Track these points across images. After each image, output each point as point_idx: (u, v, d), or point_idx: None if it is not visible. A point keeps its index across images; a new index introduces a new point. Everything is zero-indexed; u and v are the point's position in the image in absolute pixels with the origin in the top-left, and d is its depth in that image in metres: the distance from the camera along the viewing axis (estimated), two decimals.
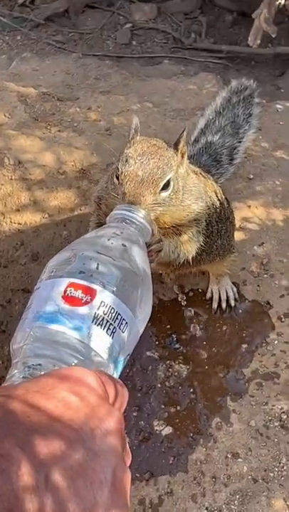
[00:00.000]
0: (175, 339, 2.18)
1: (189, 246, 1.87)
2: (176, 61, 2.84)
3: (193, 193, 1.85)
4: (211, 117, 2.36)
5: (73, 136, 2.60)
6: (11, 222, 2.42)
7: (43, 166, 2.51)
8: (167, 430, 2.07)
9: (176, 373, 2.15)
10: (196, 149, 2.30)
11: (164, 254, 1.75)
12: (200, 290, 2.23)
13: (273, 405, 2.10)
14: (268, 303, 2.26)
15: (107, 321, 1.07)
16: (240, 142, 2.41)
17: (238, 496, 1.99)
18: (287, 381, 2.13)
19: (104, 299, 1.08)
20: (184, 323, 2.22)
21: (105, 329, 1.07)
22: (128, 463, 0.89)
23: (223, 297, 2.21)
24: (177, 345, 2.18)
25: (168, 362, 2.17)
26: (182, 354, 2.18)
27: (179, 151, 1.73)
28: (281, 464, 2.03)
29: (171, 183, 1.70)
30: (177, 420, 2.09)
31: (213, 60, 2.87)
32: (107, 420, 0.85)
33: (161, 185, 1.66)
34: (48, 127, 2.63)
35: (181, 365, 2.16)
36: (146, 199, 1.57)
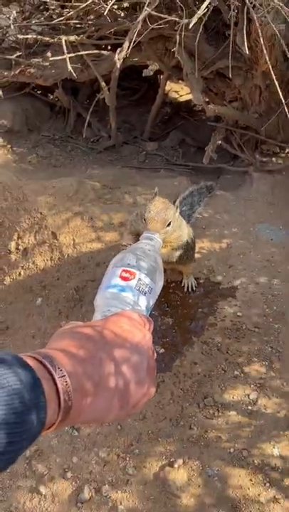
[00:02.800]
0: (166, 305, 2.23)
1: (176, 253, 1.96)
2: (168, 171, 2.88)
3: (182, 228, 1.93)
4: (182, 198, 2.40)
5: (117, 215, 2.57)
6: (86, 247, 2.48)
7: (102, 220, 2.54)
8: (162, 350, 2.12)
9: (166, 322, 2.21)
10: None
11: (164, 255, 1.80)
12: (178, 281, 2.29)
13: (214, 339, 2.15)
14: (212, 288, 2.30)
15: (142, 288, 1.08)
16: (194, 213, 2.48)
17: (196, 384, 2.06)
18: (221, 328, 2.17)
19: (140, 277, 1.10)
20: (171, 297, 2.26)
21: (142, 292, 1.07)
22: (154, 358, 0.86)
23: (189, 285, 2.26)
24: (167, 308, 2.23)
25: (162, 316, 2.21)
26: (169, 313, 2.23)
27: (176, 206, 1.82)
28: (218, 368, 2.08)
29: (172, 223, 1.74)
30: (167, 345, 2.13)
31: (186, 170, 2.88)
32: (145, 337, 0.83)
33: (166, 223, 1.71)
34: (105, 202, 2.64)
35: (168, 318, 2.22)
36: (159, 231, 1.63)
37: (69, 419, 0.65)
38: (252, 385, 2.03)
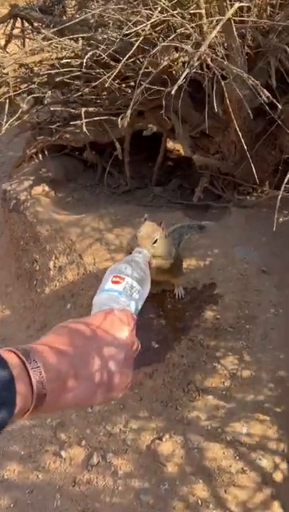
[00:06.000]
0: (160, 309, 2.04)
1: (166, 263, 1.73)
2: (169, 207, 2.68)
3: (169, 245, 1.75)
4: (174, 228, 2.23)
5: (125, 240, 2.32)
6: (103, 265, 2.28)
7: (114, 244, 2.36)
8: (156, 345, 1.93)
9: (160, 323, 2.01)
10: None
11: (157, 264, 1.60)
12: (171, 291, 2.07)
13: (197, 336, 1.93)
14: (197, 296, 2.07)
15: (130, 291, 0.92)
16: (181, 241, 2.22)
17: (182, 372, 1.84)
18: (203, 328, 1.96)
19: (128, 281, 0.93)
20: (164, 302, 2.06)
21: (129, 293, 0.92)
22: (134, 350, 0.71)
23: (179, 293, 2.07)
24: (162, 312, 2.04)
25: (158, 318, 2.02)
26: (163, 316, 2.03)
27: (161, 227, 1.63)
28: (200, 360, 1.86)
29: (158, 241, 1.56)
30: (160, 341, 1.94)
31: (182, 207, 2.70)
32: (129, 331, 0.71)
33: (153, 241, 1.53)
34: (118, 231, 2.42)
35: (162, 320, 2.02)
36: (147, 246, 1.44)
37: (45, 405, 0.53)
38: (226, 375, 1.82)
